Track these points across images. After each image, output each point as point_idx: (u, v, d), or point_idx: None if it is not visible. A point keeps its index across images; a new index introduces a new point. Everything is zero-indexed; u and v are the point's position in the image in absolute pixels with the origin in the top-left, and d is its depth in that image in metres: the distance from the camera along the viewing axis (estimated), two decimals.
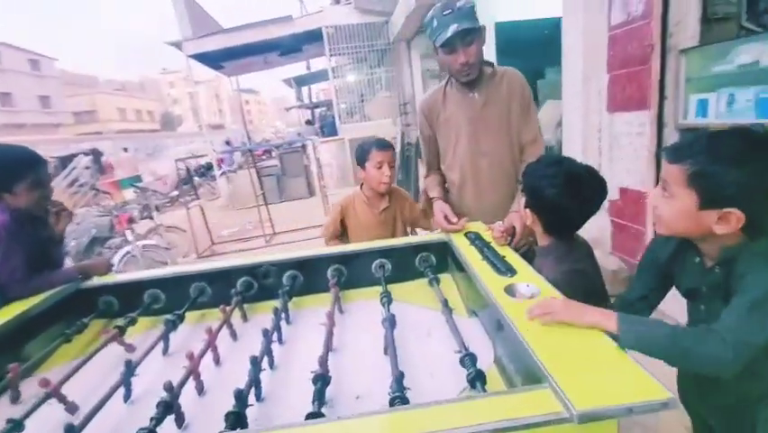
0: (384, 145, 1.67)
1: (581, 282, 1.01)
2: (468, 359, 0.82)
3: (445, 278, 1.35)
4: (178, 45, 8.19)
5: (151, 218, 4.49)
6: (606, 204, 2.64)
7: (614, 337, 0.70)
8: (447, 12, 1.38)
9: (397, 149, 6.57)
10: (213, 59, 9.04)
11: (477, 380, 0.76)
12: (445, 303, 1.09)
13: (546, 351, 0.68)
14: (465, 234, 1.32)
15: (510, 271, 0.99)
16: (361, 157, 1.68)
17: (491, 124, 1.54)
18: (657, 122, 2.21)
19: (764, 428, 0.84)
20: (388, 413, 0.63)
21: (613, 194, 2.58)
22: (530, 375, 0.69)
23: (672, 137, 2.20)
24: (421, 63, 8.05)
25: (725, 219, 0.73)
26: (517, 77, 1.57)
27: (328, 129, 9.58)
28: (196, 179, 8.84)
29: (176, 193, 9.46)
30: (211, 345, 1.03)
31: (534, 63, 5.17)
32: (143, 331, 1.24)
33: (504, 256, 1.09)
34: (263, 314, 1.30)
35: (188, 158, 8.03)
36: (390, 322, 1.00)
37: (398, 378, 0.78)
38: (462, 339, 0.91)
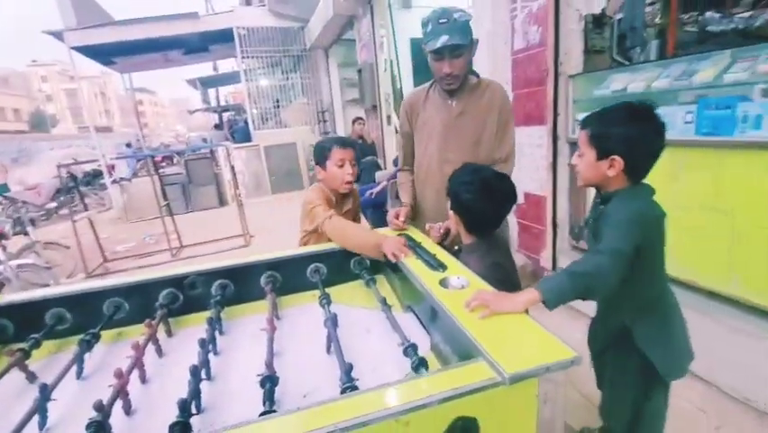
0: (345, 143, 1.65)
1: (502, 274, 1.18)
2: (410, 349, 0.91)
3: (380, 279, 1.44)
4: (58, 35, 7.21)
5: (26, 234, 3.88)
6: (514, 207, 2.99)
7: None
8: (443, 21, 1.43)
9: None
10: (102, 54, 8.12)
11: (420, 366, 0.85)
12: (384, 301, 1.17)
13: (477, 331, 0.80)
14: (398, 236, 1.42)
15: (442, 266, 1.11)
16: (320, 156, 1.63)
17: (463, 134, 1.60)
18: (552, 135, 2.58)
19: (615, 365, 1.19)
20: (343, 399, 0.68)
21: (519, 198, 2.93)
22: (465, 353, 0.80)
23: (564, 148, 2.60)
24: (339, 72, 8.19)
25: (612, 165, 1.03)
26: (500, 92, 1.62)
27: (240, 135, 9.17)
28: (81, 188, 7.80)
29: (53, 205, 8.24)
30: (138, 361, 0.97)
31: None
32: (47, 355, 1.11)
33: (435, 254, 1.21)
34: (191, 327, 1.25)
35: (73, 164, 7.06)
36: (332, 321, 1.05)
37: (347, 369, 0.83)
38: (404, 333, 1.00)
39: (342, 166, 1.60)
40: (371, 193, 3.73)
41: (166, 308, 1.23)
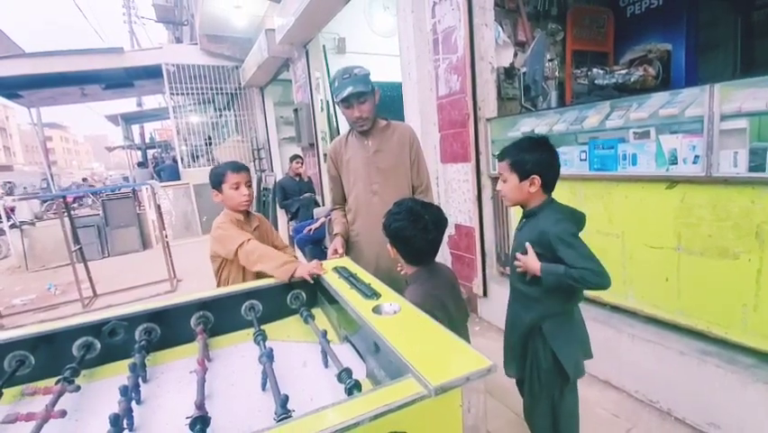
0: (238, 167, 1.75)
1: (432, 304, 1.27)
2: (344, 373, 0.94)
3: (317, 312, 1.46)
4: None
5: None
6: (446, 238, 3.17)
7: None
8: (346, 76, 1.75)
9: (253, 194, 6.45)
10: (6, 86, 7.43)
11: (354, 388, 0.88)
12: (324, 334, 1.19)
13: (406, 350, 0.86)
14: (334, 269, 1.46)
15: (375, 294, 1.17)
16: (216, 181, 1.73)
17: (382, 168, 1.86)
18: (476, 172, 2.84)
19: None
20: (276, 427, 0.70)
21: (450, 230, 3.13)
22: (396, 373, 0.86)
23: (487, 183, 2.86)
24: (275, 110, 8.25)
25: (532, 183, 1.31)
26: (408, 131, 1.94)
27: (167, 173, 8.73)
28: None
29: None
30: (45, 421, 0.89)
31: (389, 117, 5.92)
32: None
33: (369, 283, 1.27)
34: (109, 378, 1.17)
35: None
36: (268, 356, 1.05)
37: (283, 401, 0.84)
38: (339, 361, 1.03)
39: (237, 188, 1.71)
40: (309, 229, 3.75)
41: (81, 358, 1.14)
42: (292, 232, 4.08)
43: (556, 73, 3.48)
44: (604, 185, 2.11)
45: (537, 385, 1.37)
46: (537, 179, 1.30)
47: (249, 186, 1.76)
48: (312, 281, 1.43)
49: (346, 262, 1.55)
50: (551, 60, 3.45)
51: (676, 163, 1.81)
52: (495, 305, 2.91)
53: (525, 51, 3.19)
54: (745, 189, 1.61)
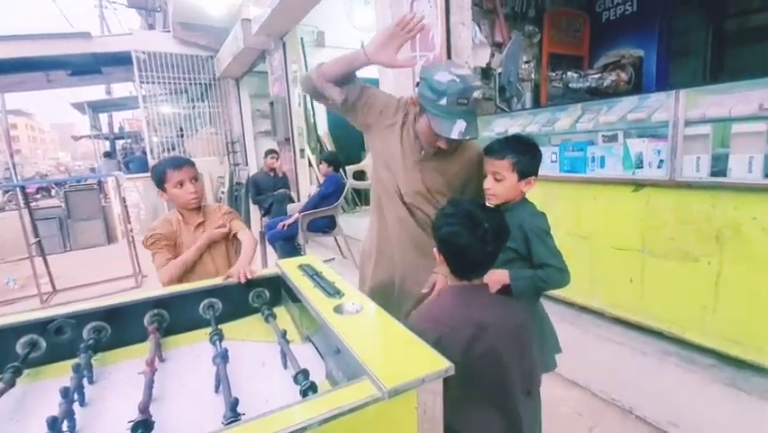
0: (179, 163, 1.64)
1: (435, 338, 0.97)
2: (301, 375, 0.91)
3: (279, 310, 1.42)
4: None
5: None
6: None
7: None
8: (463, 101, 1.23)
9: (226, 188, 6.31)
10: None
11: (309, 390, 0.86)
12: (283, 334, 1.16)
13: (363, 350, 0.84)
14: (298, 267, 1.43)
15: (338, 293, 1.15)
16: (158, 180, 1.65)
17: (427, 178, 1.44)
18: None
19: None
20: (222, 431, 0.67)
21: None
22: (353, 374, 0.84)
23: None
24: (251, 103, 8.09)
25: (528, 183, 1.33)
26: (474, 150, 1.45)
27: (136, 164, 8.44)
28: None
29: None
30: None
31: None
32: None
33: (333, 282, 1.24)
34: (55, 378, 1.11)
35: None
36: (222, 357, 1.02)
37: (233, 404, 0.81)
38: (297, 362, 1.00)
39: (181, 186, 1.62)
40: (283, 225, 3.68)
41: (24, 358, 1.07)
42: (264, 228, 4.00)
43: (532, 75, 3.53)
44: (573, 187, 2.15)
45: None
46: (533, 180, 1.34)
47: (195, 181, 1.65)
48: (243, 281, 1.38)
49: (312, 259, 1.51)
50: (527, 62, 3.50)
51: (642, 167, 1.86)
52: None
53: (502, 52, 3.22)
54: (707, 194, 1.66)
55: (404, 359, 0.82)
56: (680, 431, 1.73)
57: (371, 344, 0.88)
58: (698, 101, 1.68)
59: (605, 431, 1.83)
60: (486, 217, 1.07)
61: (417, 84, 1.33)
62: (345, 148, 5.67)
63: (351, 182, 5.79)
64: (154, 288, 1.45)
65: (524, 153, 1.31)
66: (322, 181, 4.10)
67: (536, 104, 3.48)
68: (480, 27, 3.19)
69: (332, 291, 1.16)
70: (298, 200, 5.01)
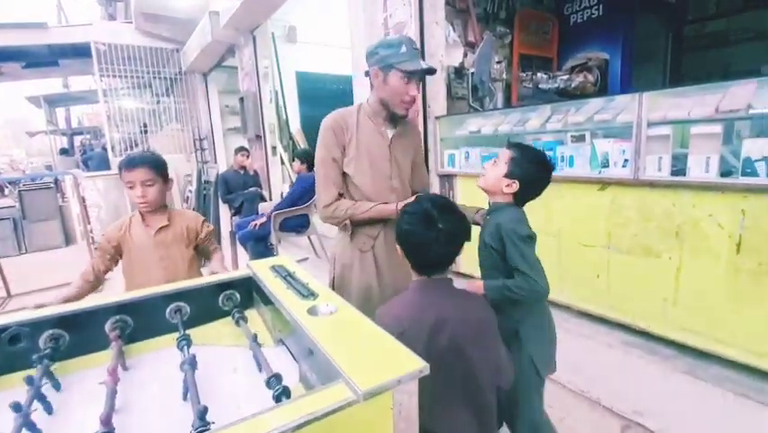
0: (132, 163, 1.57)
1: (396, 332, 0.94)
2: (273, 379, 0.89)
3: (251, 313, 1.39)
4: None
5: None
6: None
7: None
8: (416, 48, 1.49)
9: (194, 187, 6.11)
10: None
11: (282, 395, 0.84)
12: (254, 338, 1.14)
13: (338, 352, 0.83)
14: (271, 268, 1.40)
15: (312, 294, 1.13)
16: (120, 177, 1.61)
17: (400, 162, 1.60)
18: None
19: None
20: None
21: None
22: (328, 377, 0.83)
23: (435, 181, 2.89)
24: (220, 99, 7.87)
25: (510, 185, 1.31)
26: (417, 127, 1.76)
27: (96, 162, 8.07)
28: None
29: None
30: None
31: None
32: None
33: (307, 283, 1.22)
34: (9, 390, 1.04)
35: None
36: (190, 363, 0.98)
37: (201, 412, 0.78)
38: (269, 366, 0.98)
39: (132, 188, 1.56)
40: (254, 225, 3.60)
41: None
42: (235, 227, 3.91)
43: (504, 75, 3.60)
44: None
45: (521, 383, 1.32)
46: (515, 186, 1.31)
47: (148, 185, 1.57)
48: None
49: (284, 259, 1.49)
50: (499, 63, 3.57)
51: (608, 166, 1.93)
52: None
53: (475, 52, 3.27)
54: (668, 192, 1.75)
55: (379, 360, 0.82)
56: (644, 419, 1.82)
57: (346, 346, 0.87)
58: (659, 103, 1.76)
59: (575, 421, 1.89)
60: (442, 219, 1.10)
61: (371, 57, 1.49)
62: None
63: None
64: (117, 292, 1.39)
65: (527, 159, 1.31)
66: (295, 179, 4.04)
67: (508, 103, 3.55)
68: (453, 27, 3.22)
69: (305, 293, 1.14)
70: (270, 199, 4.92)
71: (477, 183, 1.42)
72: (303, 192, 3.83)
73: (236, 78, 6.14)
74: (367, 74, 1.54)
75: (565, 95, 3.60)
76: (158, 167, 1.64)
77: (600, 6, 3.75)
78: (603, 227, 1.97)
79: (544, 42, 3.98)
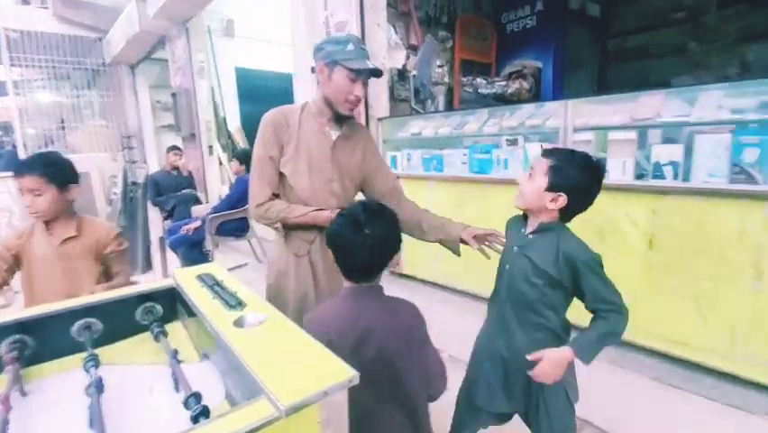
0: (18, 170, 1.42)
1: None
2: (192, 399, 0.83)
3: (175, 326, 1.30)
4: None
5: None
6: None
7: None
8: (364, 47, 1.46)
9: (119, 189, 5.64)
10: None
11: (201, 415, 0.79)
12: (174, 354, 1.06)
13: (264, 368, 0.79)
14: (197, 277, 1.32)
15: (240, 304, 1.07)
16: None
17: (343, 164, 1.53)
18: None
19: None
20: None
21: None
22: (252, 393, 0.78)
23: None
24: (150, 93, 7.36)
25: (555, 200, 1.13)
26: (366, 130, 1.70)
27: (5, 162, 7.20)
28: None
29: None
30: None
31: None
32: None
33: (236, 292, 1.16)
34: None
35: None
36: (96, 386, 0.89)
37: None
38: (188, 384, 0.91)
39: (22, 194, 1.43)
40: (187, 230, 3.40)
41: None
42: (165, 232, 3.66)
43: (446, 79, 3.70)
44: (482, 187, 2.29)
45: (561, 412, 1.25)
46: (563, 200, 1.13)
47: (37, 195, 1.43)
48: None
49: (212, 267, 1.41)
50: (441, 66, 3.65)
51: None
52: None
53: (417, 55, 3.33)
54: None
55: (307, 371, 0.79)
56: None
57: (273, 358, 0.83)
58: (583, 111, 1.89)
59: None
60: (370, 224, 1.06)
61: (318, 52, 1.45)
62: None
63: None
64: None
65: (573, 166, 1.12)
66: (234, 181, 3.87)
67: (450, 106, 3.65)
68: (395, 29, 3.26)
69: (233, 303, 1.08)
70: (207, 201, 4.68)
71: (514, 203, 1.26)
72: (242, 195, 3.67)
73: (169, 72, 5.77)
74: (313, 70, 1.49)
75: (503, 100, 3.77)
76: (51, 173, 1.46)
77: (534, 17, 3.97)
78: None
79: (484, 49, 4.15)
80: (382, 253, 1.08)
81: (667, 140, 1.69)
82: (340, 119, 1.52)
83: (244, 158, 3.71)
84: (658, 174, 1.68)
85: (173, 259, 3.63)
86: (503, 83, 3.79)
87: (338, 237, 1.09)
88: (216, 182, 5.20)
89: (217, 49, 5.27)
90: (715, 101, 1.60)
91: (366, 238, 1.04)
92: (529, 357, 1.13)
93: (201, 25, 5.13)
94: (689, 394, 1.63)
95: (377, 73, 1.45)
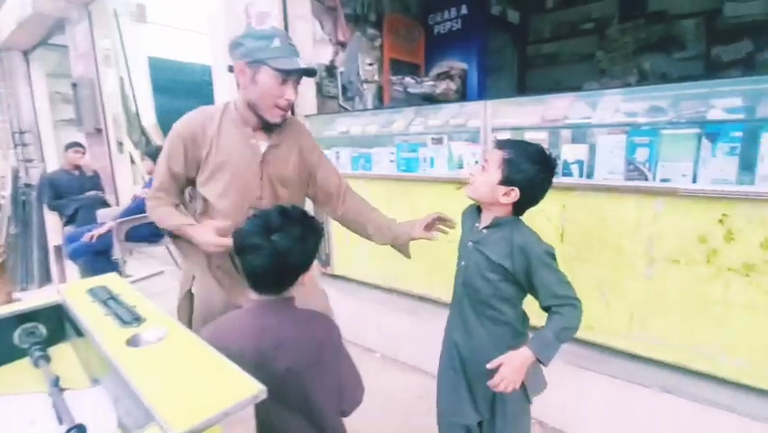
0: None
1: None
2: (74, 431, 0.73)
3: (63, 348, 1.15)
4: None
5: None
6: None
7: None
8: (291, 43, 1.27)
9: (7, 192, 4.93)
10: None
11: None
12: (55, 382, 0.92)
13: (158, 391, 0.71)
14: (89, 291, 1.17)
15: (137, 320, 0.97)
16: None
17: (275, 177, 1.37)
18: None
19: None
20: None
21: None
22: (144, 420, 0.70)
23: None
24: (48, 84, 6.54)
25: (508, 194, 1.12)
26: (299, 125, 1.49)
27: None
28: None
29: None
30: None
31: (199, 105, 5.31)
32: None
33: (134, 306, 1.05)
34: None
35: None
36: None
37: None
38: (71, 415, 0.80)
39: None
40: (90, 236, 3.05)
41: None
42: (64, 240, 3.26)
43: (375, 77, 3.70)
44: (409, 185, 2.32)
45: (519, 411, 1.24)
46: (516, 194, 1.11)
47: None
48: None
49: (109, 279, 1.26)
50: (371, 64, 3.66)
51: (462, 167, 2.10)
52: None
53: (345, 51, 3.29)
54: None
55: (208, 391, 0.72)
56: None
57: (170, 378, 0.76)
58: (500, 111, 1.98)
59: None
60: (281, 232, 0.97)
61: (236, 49, 1.27)
62: None
63: None
64: None
65: (526, 159, 1.11)
66: (147, 181, 3.55)
67: (381, 105, 3.67)
68: (322, 24, 3.19)
69: (128, 319, 0.97)
70: (117, 204, 4.26)
71: (465, 193, 1.24)
72: None
73: (69, 59, 5.15)
74: (231, 69, 1.31)
75: (432, 100, 3.86)
76: None
77: (459, 20, 4.12)
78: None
79: (413, 49, 4.22)
80: (287, 266, 0.99)
81: (574, 140, 1.83)
82: (269, 126, 1.33)
83: (157, 156, 3.41)
84: (567, 172, 1.81)
85: (73, 269, 3.24)
86: (431, 83, 3.89)
87: (243, 239, 1.00)
88: (128, 183, 4.74)
89: (127, 35, 4.80)
90: (613, 105, 1.76)
91: (271, 246, 0.96)
92: (489, 366, 1.08)
93: (106, 8, 4.64)
94: (595, 374, 1.78)
95: (310, 73, 1.30)
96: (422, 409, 2.00)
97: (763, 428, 1.43)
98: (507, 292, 1.18)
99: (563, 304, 1.10)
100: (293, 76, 1.27)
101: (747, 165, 1.45)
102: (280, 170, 1.38)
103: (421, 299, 2.42)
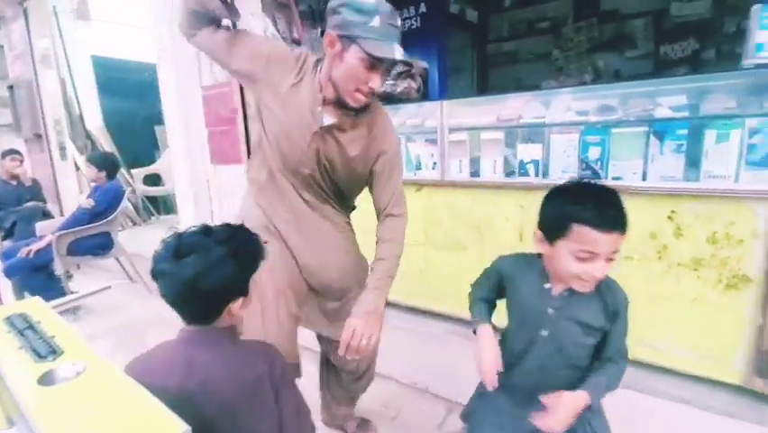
0: None
1: None
2: None
3: None
4: None
5: None
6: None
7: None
8: (394, 23, 1.12)
9: None
10: None
11: None
12: None
13: None
14: (5, 319, 1.06)
15: (54, 352, 0.88)
16: None
17: (330, 159, 1.27)
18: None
19: None
20: None
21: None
22: None
23: None
24: None
25: (535, 235, 1.04)
26: (385, 123, 1.35)
27: None
28: None
29: None
30: None
31: (150, 106, 5.06)
32: None
33: (53, 336, 0.95)
34: None
35: None
36: None
37: None
38: None
39: None
40: (28, 252, 2.83)
41: None
42: (1, 256, 3.01)
43: None
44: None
45: None
46: (538, 233, 1.03)
47: None
48: None
49: (29, 305, 1.15)
50: None
51: (421, 168, 2.08)
52: None
53: None
54: (468, 192, 1.97)
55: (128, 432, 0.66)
56: (464, 399, 2.02)
57: (84, 421, 0.68)
58: (457, 112, 1.97)
59: (405, 415, 1.99)
60: (196, 253, 0.87)
61: (332, 15, 1.14)
62: (130, 147, 4.78)
63: (141, 189, 4.93)
64: None
65: (546, 198, 1.06)
66: (92, 190, 3.33)
67: None
68: (275, 21, 3.09)
69: (44, 352, 0.88)
70: (62, 214, 3.98)
71: (582, 288, 1.04)
72: (107, 206, 3.18)
73: (5, 60, 4.77)
74: (322, 34, 1.20)
75: (393, 99, 3.83)
76: None
77: (418, 18, 4.11)
78: (421, 226, 2.13)
79: None
80: (200, 294, 0.87)
81: (529, 139, 1.84)
82: (345, 106, 1.21)
83: (103, 163, 3.20)
84: (523, 172, 1.81)
85: (6, 290, 3.00)
86: (392, 82, 3.85)
87: (153, 263, 0.89)
88: (73, 191, 4.44)
89: (68, 34, 4.50)
90: (565, 104, 1.78)
91: (178, 271, 0.86)
92: (543, 400, 0.99)
93: (44, 5, 4.33)
94: None
95: (405, 64, 1.23)
96: (386, 420, 1.96)
97: (714, 418, 1.48)
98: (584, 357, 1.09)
99: (620, 355, 1.07)
100: (384, 63, 1.15)
101: (693, 162, 1.50)
102: (332, 152, 1.27)
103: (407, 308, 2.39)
